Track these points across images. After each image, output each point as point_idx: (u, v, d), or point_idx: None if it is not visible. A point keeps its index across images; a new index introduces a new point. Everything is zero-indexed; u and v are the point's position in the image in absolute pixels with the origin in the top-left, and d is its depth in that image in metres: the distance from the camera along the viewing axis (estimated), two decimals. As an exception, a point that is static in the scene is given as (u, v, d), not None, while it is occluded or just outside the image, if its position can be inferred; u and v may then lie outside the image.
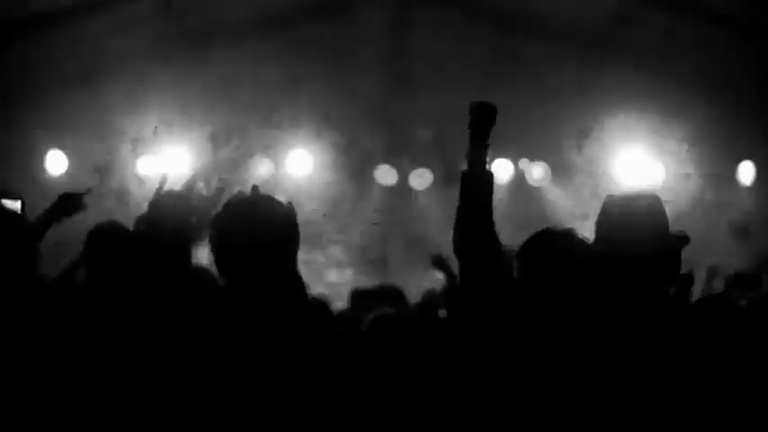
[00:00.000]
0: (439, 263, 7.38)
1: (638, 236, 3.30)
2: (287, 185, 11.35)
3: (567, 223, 9.93)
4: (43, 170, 11.07)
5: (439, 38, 11.54)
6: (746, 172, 11.37)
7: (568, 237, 3.48)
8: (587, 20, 10.98)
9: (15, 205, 3.68)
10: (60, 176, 11.14)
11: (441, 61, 11.50)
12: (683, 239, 3.52)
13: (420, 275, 10.68)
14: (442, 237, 10.49)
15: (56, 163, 11.23)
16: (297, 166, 11.47)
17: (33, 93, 10.60)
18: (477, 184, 3.38)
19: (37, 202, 4.47)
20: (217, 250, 3.05)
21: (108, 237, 4.41)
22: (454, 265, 3.65)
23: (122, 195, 10.56)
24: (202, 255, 3.22)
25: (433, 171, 11.63)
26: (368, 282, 9.99)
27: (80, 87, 10.69)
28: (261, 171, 11.41)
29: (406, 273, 11.10)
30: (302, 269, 3.13)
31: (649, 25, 10.60)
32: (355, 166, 11.64)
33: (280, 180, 11.42)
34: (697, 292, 5.92)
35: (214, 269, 3.09)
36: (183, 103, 10.90)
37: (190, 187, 3.20)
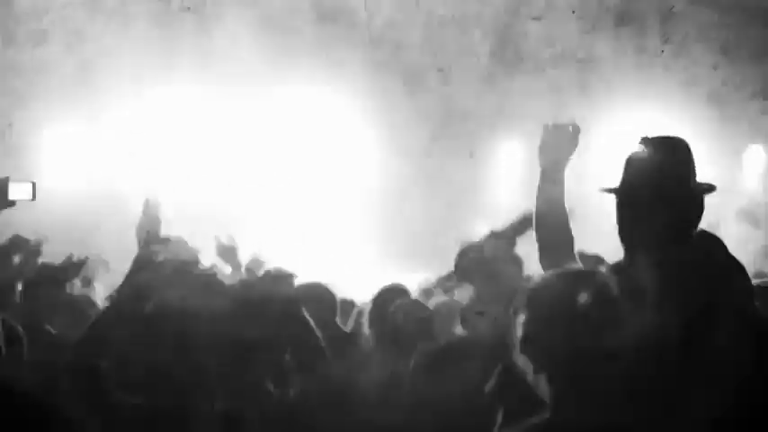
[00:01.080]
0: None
1: (661, 178, 3.33)
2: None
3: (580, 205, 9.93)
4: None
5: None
6: (755, 156, 11.35)
7: None
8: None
9: (27, 187, 3.66)
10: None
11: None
12: (708, 189, 3.50)
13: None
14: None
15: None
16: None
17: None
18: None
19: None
20: None
21: None
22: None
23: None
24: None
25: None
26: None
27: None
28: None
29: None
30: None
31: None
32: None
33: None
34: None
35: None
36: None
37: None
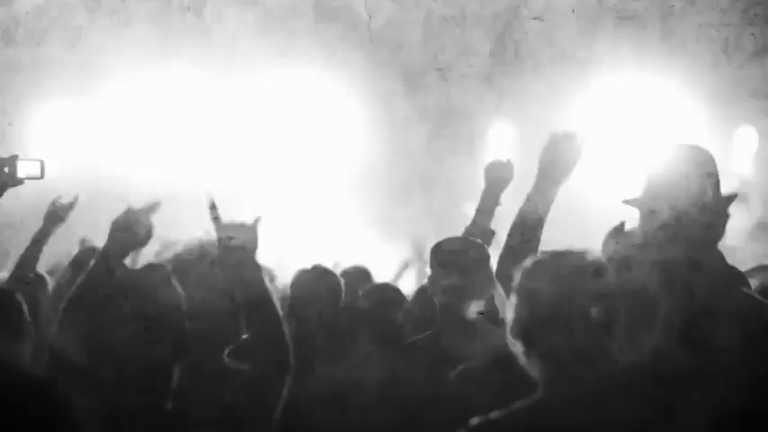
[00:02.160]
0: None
1: (688, 190, 3.27)
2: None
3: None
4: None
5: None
6: (746, 138, 11.33)
7: None
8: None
9: (35, 165, 3.72)
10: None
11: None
12: (732, 198, 3.44)
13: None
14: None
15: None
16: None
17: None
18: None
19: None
20: None
21: None
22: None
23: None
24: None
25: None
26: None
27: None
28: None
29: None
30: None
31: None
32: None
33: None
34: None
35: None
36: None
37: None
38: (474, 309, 4.28)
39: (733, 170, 11.18)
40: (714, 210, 3.29)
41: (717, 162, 3.38)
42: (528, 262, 2.85)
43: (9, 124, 10.90)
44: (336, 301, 4.96)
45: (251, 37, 11.14)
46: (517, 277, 2.82)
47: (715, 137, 11.10)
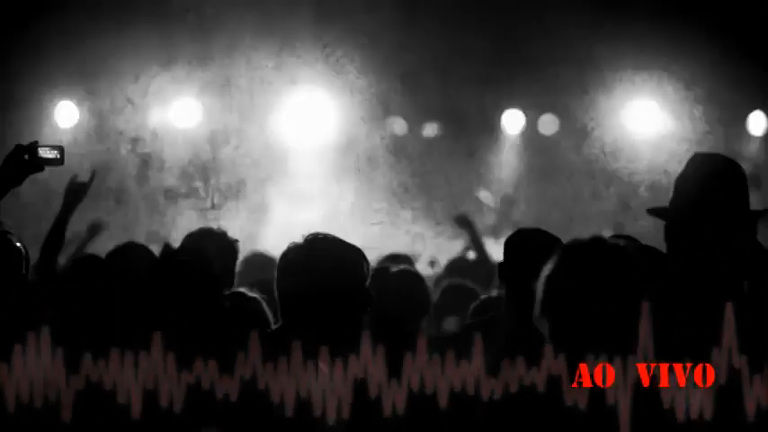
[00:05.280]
0: (463, 222, 7.40)
1: (719, 202, 3.14)
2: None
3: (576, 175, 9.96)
4: (54, 122, 11.14)
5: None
6: (757, 122, 11.39)
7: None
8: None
9: (55, 152, 3.70)
10: (71, 128, 11.24)
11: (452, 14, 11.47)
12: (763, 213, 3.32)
13: (431, 227, 10.77)
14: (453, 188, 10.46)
15: (66, 114, 11.27)
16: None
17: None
18: None
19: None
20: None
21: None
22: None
23: (120, 194, 10.70)
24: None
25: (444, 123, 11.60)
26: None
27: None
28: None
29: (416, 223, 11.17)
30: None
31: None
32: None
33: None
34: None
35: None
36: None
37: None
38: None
39: (745, 154, 11.23)
40: (743, 223, 3.17)
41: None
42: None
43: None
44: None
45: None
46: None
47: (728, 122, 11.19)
